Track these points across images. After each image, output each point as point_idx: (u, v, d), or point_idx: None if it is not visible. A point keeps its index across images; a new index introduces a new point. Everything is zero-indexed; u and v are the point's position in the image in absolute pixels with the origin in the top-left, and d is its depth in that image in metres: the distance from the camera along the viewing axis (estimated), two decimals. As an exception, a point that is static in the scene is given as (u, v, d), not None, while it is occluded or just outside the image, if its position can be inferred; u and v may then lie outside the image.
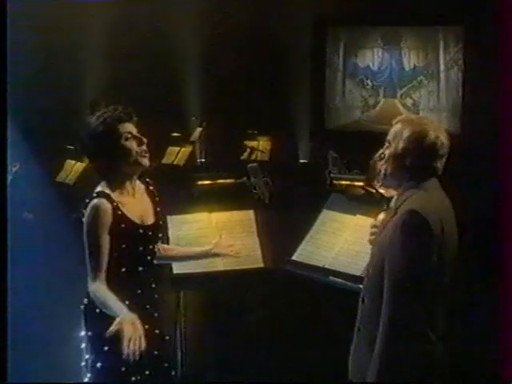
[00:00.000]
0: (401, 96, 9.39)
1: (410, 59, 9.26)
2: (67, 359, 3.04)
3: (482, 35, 8.25)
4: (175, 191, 3.50)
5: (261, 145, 9.36)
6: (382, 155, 2.60)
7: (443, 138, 2.49)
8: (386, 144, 2.59)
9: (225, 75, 9.14)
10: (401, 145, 2.51)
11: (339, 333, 3.31)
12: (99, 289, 2.66)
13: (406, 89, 9.36)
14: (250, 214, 3.67)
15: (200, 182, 3.70)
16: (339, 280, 3.28)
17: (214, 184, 3.64)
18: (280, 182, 4.05)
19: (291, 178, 5.66)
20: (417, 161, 2.48)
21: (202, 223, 3.61)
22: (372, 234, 2.68)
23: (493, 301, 3.00)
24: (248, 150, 8.96)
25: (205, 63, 9.24)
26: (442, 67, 9.15)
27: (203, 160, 8.83)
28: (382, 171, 2.59)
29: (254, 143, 9.29)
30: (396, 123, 2.58)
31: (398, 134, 2.54)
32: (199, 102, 9.61)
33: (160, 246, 2.95)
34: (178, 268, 3.41)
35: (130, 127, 2.81)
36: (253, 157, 8.99)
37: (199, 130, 9.06)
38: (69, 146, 8.61)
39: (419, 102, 9.33)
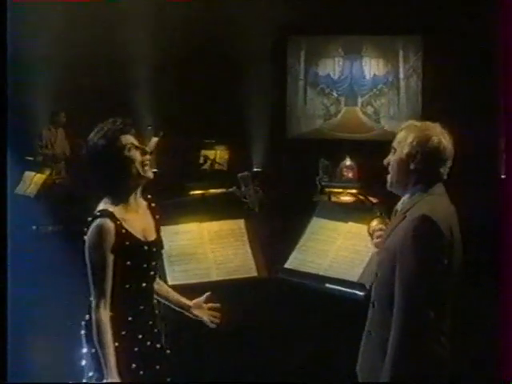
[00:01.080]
0: (362, 104, 9.58)
1: (371, 68, 9.46)
2: (68, 376, 2.96)
3: (440, 44, 8.49)
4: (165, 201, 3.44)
5: (218, 154, 9.36)
6: (388, 162, 2.62)
7: (446, 143, 2.53)
8: (392, 151, 2.62)
9: (183, 84, 9.10)
10: (405, 150, 2.54)
11: (337, 339, 3.34)
12: (101, 322, 2.59)
13: (367, 97, 9.56)
14: (241, 223, 3.63)
15: (192, 192, 3.66)
16: (336, 287, 3.29)
17: (204, 194, 3.62)
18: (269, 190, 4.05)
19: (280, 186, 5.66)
20: (421, 165, 2.51)
21: (193, 233, 3.55)
22: (378, 237, 2.70)
23: (492, 301, 3.04)
24: (209, 161, 8.95)
25: (162, 72, 9.17)
26: (401, 75, 9.37)
27: (155, 170, 8.74)
28: (389, 177, 2.61)
29: (211, 152, 9.29)
30: (401, 130, 2.61)
31: (401, 140, 2.57)
32: (155, 111, 9.54)
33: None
34: (172, 279, 3.37)
35: (131, 138, 2.74)
36: (212, 166, 8.99)
37: (155, 139, 9.00)
38: (28, 158, 8.45)
39: (380, 109, 9.54)
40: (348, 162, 6.78)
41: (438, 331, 2.43)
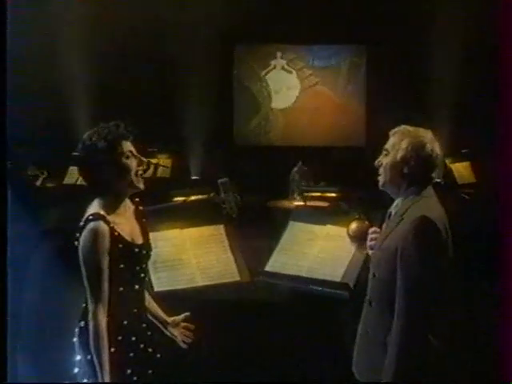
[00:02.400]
0: (310, 112, 9.72)
1: (317, 76, 9.62)
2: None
3: (383, 53, 8.78)
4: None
5: (162, 162, 9.29)
6: (380, 163, 2.72)
7: (438, 150, 2.67)
8: (384, 152, 2.71)
9: (124, 90, 9.00)
10: (399, 154, 2.65)
11: (324, 338, 3.41)
12: (100, 328, 2.58)
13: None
14: (221, 228, 3.67)
15: (175, 199, 3.70)
16: (320, 288, 3.36)
17: (185, 200, 3.65)
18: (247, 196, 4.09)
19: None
20: (414, 169, 2.64)
21: (176, 240, 3.57)
22: (372, 239, 2.80)
23: (492, 301, 3.10)
24: (152, 165, 8.82)
25: (102, 78, 9.01)
26: (346, 84, 9.58)
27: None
28: (381, 178, 2.71)
29: (154, 161, 9.20)
30: (394, 134, 2.72)
31: (396, 144, 2.68)
32: (98, 118, 9.33)
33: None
34: (158, 286, 3.38)
35: (130, 146, 2.74)
36: (157, 174, 8.91)
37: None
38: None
39: (327, 116, 9.70)
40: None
41: (438, 327, 2.53)
